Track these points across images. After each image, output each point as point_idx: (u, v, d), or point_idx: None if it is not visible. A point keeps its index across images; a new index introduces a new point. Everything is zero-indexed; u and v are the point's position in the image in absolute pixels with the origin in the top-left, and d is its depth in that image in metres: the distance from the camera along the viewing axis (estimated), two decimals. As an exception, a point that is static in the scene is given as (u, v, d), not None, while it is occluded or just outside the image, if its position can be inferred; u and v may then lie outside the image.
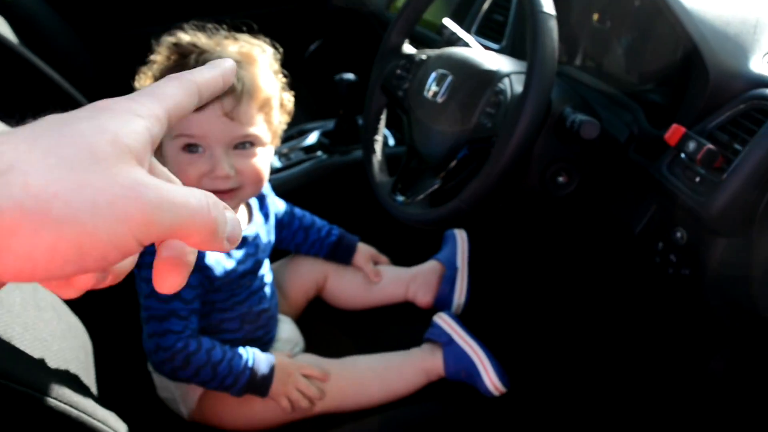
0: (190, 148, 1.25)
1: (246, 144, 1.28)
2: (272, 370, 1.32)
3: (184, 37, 1.29)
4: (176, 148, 1.25)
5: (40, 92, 1.94)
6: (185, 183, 1.28)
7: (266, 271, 1.49)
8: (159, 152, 1.29)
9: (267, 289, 1.49)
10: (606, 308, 1.80)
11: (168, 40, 1.29)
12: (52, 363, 1.03)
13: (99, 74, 2.57)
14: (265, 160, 1.32)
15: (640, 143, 1.42)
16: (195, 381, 1.29)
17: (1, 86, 1.88)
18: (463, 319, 1.52)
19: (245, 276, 1.40)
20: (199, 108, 1.22)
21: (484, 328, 1.49)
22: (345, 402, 1.41)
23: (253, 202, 1.46)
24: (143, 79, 1.31)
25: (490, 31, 1.94)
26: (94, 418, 0.92)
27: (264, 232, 1.46)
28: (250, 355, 1.33)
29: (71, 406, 0.89)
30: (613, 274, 1.69)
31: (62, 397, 0.89)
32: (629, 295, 1.71)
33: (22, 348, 0.95)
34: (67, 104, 1.99)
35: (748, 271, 1.26)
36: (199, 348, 1.28)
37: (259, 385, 1.32)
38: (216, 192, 1.25)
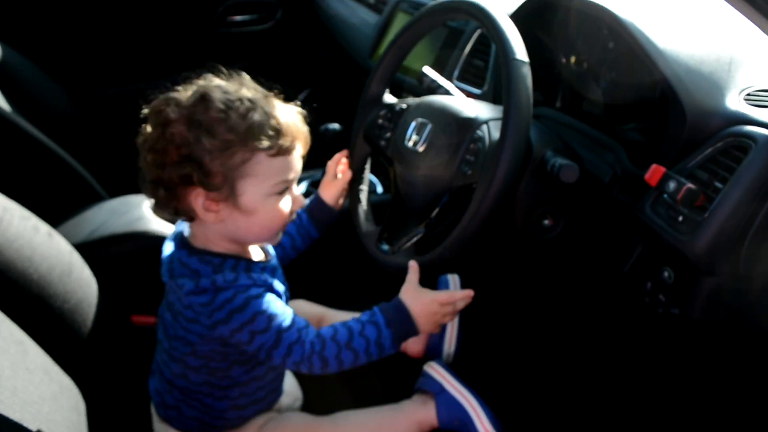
0: (283, 191, 1.29)
1: None
2: (409, 316, 1.30)
3: (216, 86, 1.25)
4: (272, 198, 1.27)
5: (30, 156, 1.96)
6: (279, 223, 1.31)
7: None
8: (233, 201, 1.25)
9: None
10: (598, 351, 1.79)
11: (203, 89, 1.23)
12: (42, 426, 1.03)
13: (89, 132, 2.59)
14: None
15: (624, 183, 1.43)
16: (346, 368, 1.29)
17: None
18: (453, 367, 1.51)
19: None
20: (292, 149, 1.24)
21: (475, 375, 1.48)
22: None
23: None
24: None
25: (471, 76, 1.96)
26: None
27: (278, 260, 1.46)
28: (378, 313, 1.31)
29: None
30: (604, 315, 1.69)
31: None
32: (621, 336, 1.71)
33: (9, 414, 0.95)
34: (57, 167, 2.00)
35: (737, 308, 1.26)
36: (324, 341, 1.27)
37: (407, 334, 1.31)
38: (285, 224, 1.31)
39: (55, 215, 1.83)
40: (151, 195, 1.27)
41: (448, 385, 1.46)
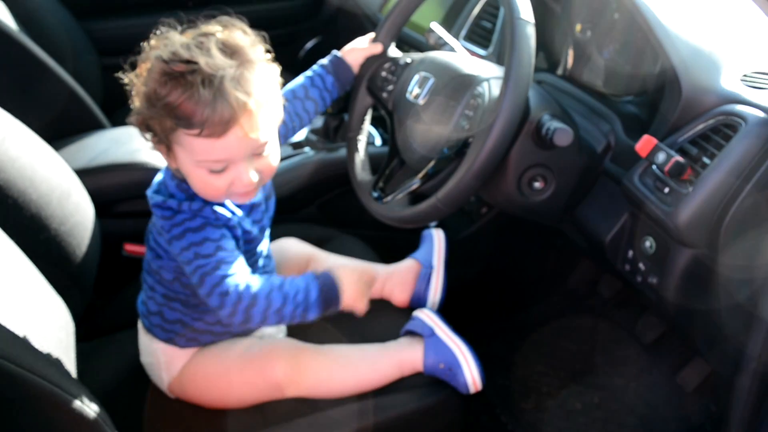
0: (216, 170, 1.26)
1: (263, 148, 1.30)
2: (338, 294, 1.34)
3: (174, 46, 1.22)
4: (202, 171, 1.26)
5: (35, 78, 1.97)
6: (213, 194, 1.28)
7: (267, 245, 1.51)
8: (173, 161, 1.30)
9: (269, 268, 1.53)
10: (578, 312, 1.83)
11: (160, 62, 1.22)
12: (32, 340, 1.06)
13: (96, 59, 2.60)
14: (276, 150, 1.34)
15: (616, 153, 1.45)
16: (272, 312, 1.31)
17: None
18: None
19: (252, 242, 1.42)
20: (222, 134, 1.19)
21: (457, 325, 1.51)
22: (318, 388, 1.43)
23: None
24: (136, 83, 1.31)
25: (478, 37, 1.98)
26: (69, 394, 0.95)
27: (263, 198, 1.47)
28: (313, 288, 1.34)
29: (48, 381, 0.92)
30: (585, 278, 1.72)
31: (40, 373, 0.92)
32: (602, 300, 1.74)
33: (5, 324, 0.98)
34: (61, 91, 2.02)
35: (711, 282, 1.29)
36: (258, 282, 1.31)
37: (330, 299, 1.34)
38: (242, 193, 1.29)
39: (57, 139, 1.85)
40: None
41: (439, 330, 1.48)
